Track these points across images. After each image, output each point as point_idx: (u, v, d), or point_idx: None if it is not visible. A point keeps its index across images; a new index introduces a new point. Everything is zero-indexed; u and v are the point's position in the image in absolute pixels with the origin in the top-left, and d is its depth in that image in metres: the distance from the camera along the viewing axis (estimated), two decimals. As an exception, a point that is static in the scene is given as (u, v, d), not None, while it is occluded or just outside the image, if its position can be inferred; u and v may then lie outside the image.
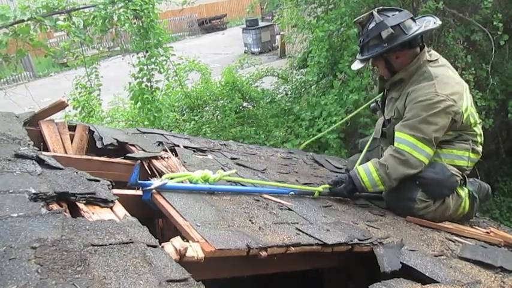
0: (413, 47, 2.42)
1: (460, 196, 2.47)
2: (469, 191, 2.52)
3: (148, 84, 5.75)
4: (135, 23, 5.40)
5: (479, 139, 2.54)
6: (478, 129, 2.53)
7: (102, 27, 5.19)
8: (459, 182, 2.47)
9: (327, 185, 2.47)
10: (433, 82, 2.32)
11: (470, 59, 5.18)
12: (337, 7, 6.27)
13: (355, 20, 2.54)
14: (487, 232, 2.41)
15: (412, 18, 2.41)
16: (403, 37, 2.34)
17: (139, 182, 1.81)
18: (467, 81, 5.01)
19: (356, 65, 2.57)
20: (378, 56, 2.44)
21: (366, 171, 2.45)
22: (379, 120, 2.73)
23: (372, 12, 2.40)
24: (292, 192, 2.30)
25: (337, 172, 3.30)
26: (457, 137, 2.45)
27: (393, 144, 2.43)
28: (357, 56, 2.57)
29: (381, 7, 2.47)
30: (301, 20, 7.23)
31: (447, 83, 2.35)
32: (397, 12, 2.42)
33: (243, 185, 2.26)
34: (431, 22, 2.46)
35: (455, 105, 2.31)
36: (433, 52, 2.50)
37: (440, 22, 2.47)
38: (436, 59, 2.46)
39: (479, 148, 2.55)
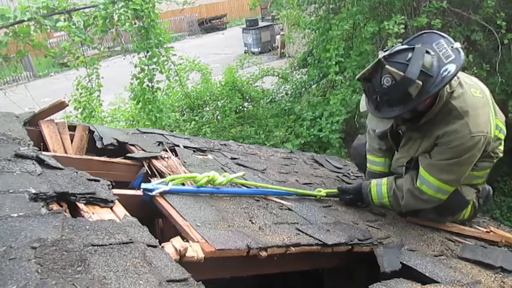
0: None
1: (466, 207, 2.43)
2: (474, 201, 2.43)
3: (150, 84, 5.76)
4: (135, 23, 5.40)
5: (502, 145, 2.33)
6: (503, 134, 2.32)
7: (103, 27, 5.19)
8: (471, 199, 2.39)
9: (331, 190, 2.47)
10: (465, 121, 2.02)
11: (472, 58, 5.19)
12: (341, 7, 6.29)
13: (358, 76, 2.10)
14: (487, 231, 2.41)
15: (426, 50, 1.96)
16: (431, 82, 1.92)
17: (142, 187, 1.81)
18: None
19: (378, 125, 2.15)
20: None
21: (378, 194, 2.34)
22: (396, 159, 2.41)
23: (379, 64, 1.96)
24: (295, 195, 2.30)
25: (337, 172, 3.29)
26: (481, 157, 2.22)
27: (415, 181, 2.21)
28: (371, 110, 2.12)
29: (387, 53, 1.98)
30: (302, 20, 7.25)
31: (477, 114, 2.05)
32: (409, 54, 1.94)
33: (246, 187, 2.25)
34: (445, 43, 2.00)
35: (487, 137, 2.08)
36: None
37: (458, 48, 1.98)
38: (455, 87, 2.08)
39: (501, 149, 2.33)
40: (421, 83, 1.91)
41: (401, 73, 1.91)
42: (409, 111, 2.05)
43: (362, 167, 2.82)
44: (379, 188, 2.36)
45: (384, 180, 2.37)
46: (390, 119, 2.08)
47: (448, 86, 2.04)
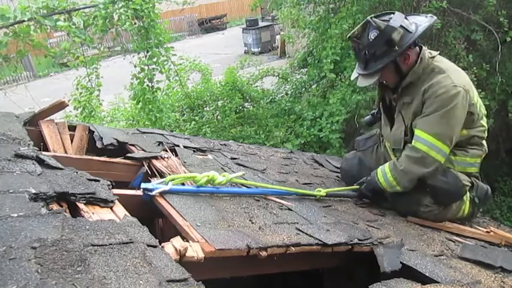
0: (417, 45, 2.38)
1: (463, 200, 2.47)
2: (471, 196, 2.50)
3: (150, 84, 5.76)
4: (135, 23, 5.40)
5: (485, 134, 2.51)
6: (485, 123, 2.49)
7: (103, 27, 5.19)
8: (467, 190, 2.46)
9: (332, 190, 2.50)
10: (447, 74, 2.30)
11: (472, 58, 5.19)
12: (341, 6, 6.29)
13: (348, 35, 2.43)
14: (487, 231, 2.41)
15: (405, 17, 2.36)
16: (410, 36, 2.28)
17: (142, 187, 1.81)
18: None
19: (364, 81, 2.44)
20: (390, 63, 2.33)
21: (382, 172, 2.48)
22: (394, 130, 2.57)
23: (366, 22, 2.31)
24: (294, 195, 2.30)
25: (337, 172, 3.29)
26: (470, 139, 2.42)
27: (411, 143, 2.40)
28: (359, 71, 2.43)
29: (373, 14, 2.40)
30: (302, 20, 7.24)
31: (459, 74, 2.36)
32: (392, 15, 2.34)
33: (246, 187, 2.25)
34: (422, 17, 2.40)
35: (469, 94, 2.29)
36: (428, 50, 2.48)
37: (431, 15, 2.41)
38: (436, 55, 2.43)
39: (485, 143, 2.52)
40: (402, 31, 2.26)
41: (386, 23, 2.28)
42: (392, 63, 2.33)
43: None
44: (383, 167, 2.50)
45: (388, 162, 2.54)
46: (377, 72, 2.36)
47: (428, 53, 2.40)
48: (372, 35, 2.28)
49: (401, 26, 2.27)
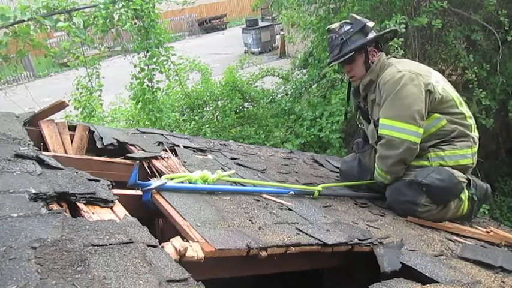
0: (381, 49, 2.68)
1: (461, 199, 2.47)
2: (469, 193, 2.51)
3: (150, 84, 5.76)
4: (135, 23, 5.40)
5: (471, 122, 2.55)
6: (466, 111, 2.55)
7: (103, 27, 5.18)
8: (464, 187, 2.47)
9: (326, 185, 2.54)
10: (394, 65, 2.53)
11: (472, 58, 5.19)
12: (341, 6, 6.29)
13: (327, 27, 2.74)
14: (487, 231, 2.41)
15: None
16: (376, 34, 2.63)
17: (138, 182, 1.81)
18: (469, 81, 5.03)
19: (337, 61, 2.64)
20: (363, 47, 2.56)
21: (375, 171, 2.64)
22: (370, 127, 2.74)
23: (343, 22, 2.64)
24: (291, 192, 2.29)
25: (337, 172, 3.29)
26: (454, 131, 2.47)
27: None
28: (333, 58, 2.65)
29: (347, 20, 2.69)
30: (303, 20, 7.24)
31: (406, 63, 2.61)
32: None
33: (243, 185, 2.26)
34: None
35: (420, 77, 2.41)
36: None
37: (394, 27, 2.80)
38: (391, 57, 2.68)
39: (476, 134, 2.57)
40: (373, 23, 2.59)
41: (360, 17, 2.64)
42: (364, 50, 2.58)
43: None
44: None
45: None
46: (350, 52, 2.56)
47: (386, 57, 2.66)
48: (348, 27, 2.59)
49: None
